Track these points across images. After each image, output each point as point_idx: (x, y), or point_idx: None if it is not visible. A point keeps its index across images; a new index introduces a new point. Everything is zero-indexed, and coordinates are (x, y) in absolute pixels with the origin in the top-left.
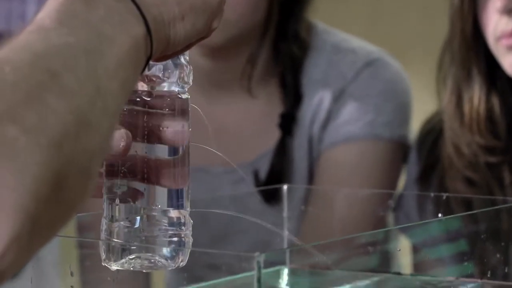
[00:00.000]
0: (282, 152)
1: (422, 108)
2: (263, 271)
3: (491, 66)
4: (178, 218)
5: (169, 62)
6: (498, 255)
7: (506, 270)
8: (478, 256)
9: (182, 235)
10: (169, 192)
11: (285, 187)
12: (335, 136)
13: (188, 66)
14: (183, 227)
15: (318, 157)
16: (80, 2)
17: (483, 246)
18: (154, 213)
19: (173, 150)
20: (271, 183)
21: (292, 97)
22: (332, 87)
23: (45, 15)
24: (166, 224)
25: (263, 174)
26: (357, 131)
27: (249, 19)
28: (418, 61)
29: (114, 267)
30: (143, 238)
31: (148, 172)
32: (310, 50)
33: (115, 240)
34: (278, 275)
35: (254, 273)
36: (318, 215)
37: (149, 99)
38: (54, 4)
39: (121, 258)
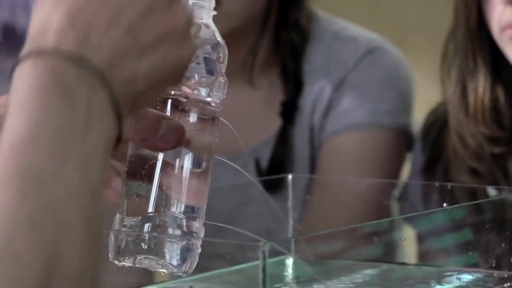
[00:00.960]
0: (283, 140)
1: (425, 95)
2: (268, 260)
3: (495, 56)
4: (191, 226)
5: (206, 69)
6: (503, 245)
7: (511, 260)
8: (483, 246)
9: (191, 243)
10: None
11: (290, 176)
12: (337, 125)
13: (224, 78)
14: (194, 235)
15: (320, 146)
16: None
17: (488, 236)
18: (167, 218)
19: (197, 158)
20: (272, 171)
21: (293, 85)
22: (333, 75)
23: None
24: (177, 230)
25: (264, 162)
26: (358, 119)
27: (250, 10)
28: (421, 48)
29: (121, 263)
30: (153, 241)
31: (167, 182)
32: (311, 38)
33: (124, 237)
34: (283, 264)
35: (259, 262)
36: (322, 205)
37: (185, 100)
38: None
39: (130, 257)
